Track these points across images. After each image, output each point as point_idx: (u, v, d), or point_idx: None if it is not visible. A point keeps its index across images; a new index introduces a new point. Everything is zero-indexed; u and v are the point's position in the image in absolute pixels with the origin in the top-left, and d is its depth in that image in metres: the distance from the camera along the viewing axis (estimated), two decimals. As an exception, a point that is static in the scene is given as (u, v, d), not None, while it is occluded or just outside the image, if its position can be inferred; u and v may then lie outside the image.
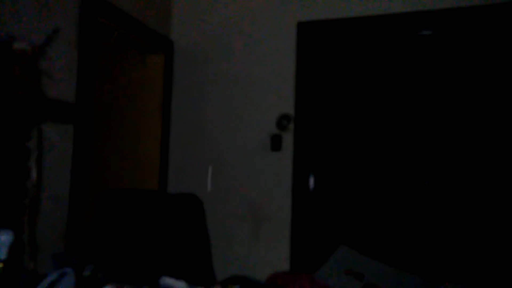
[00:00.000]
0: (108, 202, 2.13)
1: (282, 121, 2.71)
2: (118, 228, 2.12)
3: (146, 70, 2.95)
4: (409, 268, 2.37)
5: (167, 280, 1.68)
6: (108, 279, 1.54)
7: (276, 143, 2.71)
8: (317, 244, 2.66)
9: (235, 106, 2.84)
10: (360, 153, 2.66)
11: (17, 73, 1.81)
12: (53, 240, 2.10)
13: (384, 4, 2.60)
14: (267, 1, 2.83)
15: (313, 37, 2.73)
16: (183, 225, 2.43)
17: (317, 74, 2.73)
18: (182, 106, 2.96)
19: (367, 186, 2.64)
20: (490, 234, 2.40)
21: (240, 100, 2.83)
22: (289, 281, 2.22)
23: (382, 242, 2.57)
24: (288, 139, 2.71)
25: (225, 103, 2.86)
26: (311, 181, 2.69)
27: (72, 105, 2.20)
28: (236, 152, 2.81)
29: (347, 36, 2.74)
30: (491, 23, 2.48)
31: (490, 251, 2.39)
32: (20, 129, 1.87)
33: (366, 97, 2.67)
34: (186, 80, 2.97)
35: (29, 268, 1.84)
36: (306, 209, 2.67)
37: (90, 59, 2.32)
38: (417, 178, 2.55)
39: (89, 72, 2.31)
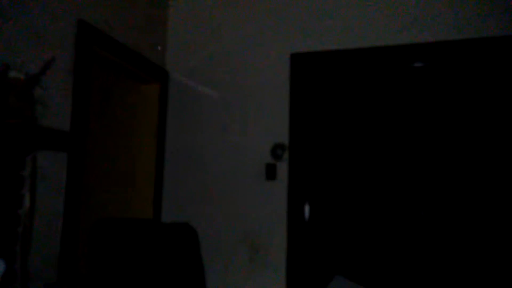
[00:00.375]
0: (101, 231, 2.11)
1: (276, 150, 2.72)
2: (111, 257, 2.09)
3: (141, 100, 2.97)
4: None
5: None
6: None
7: (270, 172, 2.72)
8: (313, 273, 2.63)
9: (230, 135, 2.86)
10: (355, 183, 2.67)
11: (12, 102, 1.82)
12: (45, 269, 2.06)
13: (376, 36, 2.66)
14: (260, 32, 2.88)
15: (306, 68, 2.78)
16: (177, 255, 2.40)
17: (311, 104, 2.76)
18: (177, 135, 2.97)
19: (363, 216, 2.63)
20: (486, 262, 2.39)
21: (235, 130, 2.85)
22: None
23: (378, 272, 2.55)
24: (282, 168, 2.72)
25: (220, 132, 2.88)
26: (307, 210, 2.69)
27: (67, 133, 2.20)
28: (231, 180, 2.81)
29: (340, 67, 2.79)
30: (481, 55, 2.54)
31: (486, 279, 2.37)
32: (14, 157, 1.86)
33: (360, 127, 2.70)
34: (181, 110, 2.99)
35: (20, 298, 1.80)
36: (301, 238, 2.66)
37: (85, 87, 2.34)
38: (412, 208, 2.55)
39: (84, 101, 2.32)
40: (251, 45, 2.89)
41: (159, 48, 2.93)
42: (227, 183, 2.81)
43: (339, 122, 2.74)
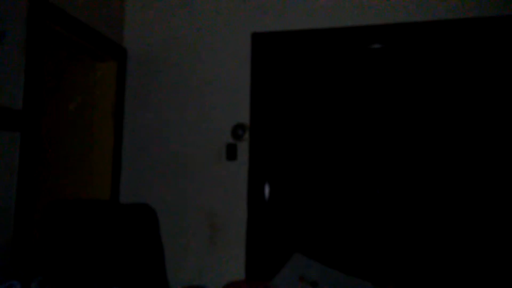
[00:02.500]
0: (53, 213, 2.06)
1: (237, 131, 2.72)
2: (65, 239, 2.05)
3: (98, 78, 2.88)
4: (361, 274, 2.43)
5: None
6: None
7: (231, 153, 2.72)
8: (273, 252, 2.68)
9: (190, 115, 2.83)
10: (314, 162, 2.71)
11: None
12: (-3, 254, 2.00)
13: (337, 17, 2.68)
14: (221, 11, 2.84)
15: (267, 48, 2.77)
16: (135, 236, 2.38)
17: (272, 84, 2.77)
18: (135, 114, 2.91)
19: (322, 194, 2.68)
20: (436, 239, 2.50)
21: (195, 109, 2.82)
22: (244, 289, 2.22)
23: (336, 249, 2.62)
24: (243, 148, 2.72)
25: (179, 111, 2.85)
26: (267, 190, 2.71)
27: (19, 112, 2.12)
28: (192, 160, 2.79)
29: (301, 47, 2.80)
30: (437, 38, 2.60)
31: (436, 255, 2.48)
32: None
33: (320, 107, 2.73)
34: (139, 88, 2.93)
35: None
36: (261, 217, 2.69)
37: (39, 64, 2.24)
38: (369, 186, 2.62)
39: (37, 78, 2.23)
40: (212, 23, 2.85)
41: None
42: (187, 163, 2.80)
43: (300, 102, 2.76)
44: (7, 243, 2.07)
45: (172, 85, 2.88)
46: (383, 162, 2.62)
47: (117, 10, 2.94)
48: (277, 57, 2.79)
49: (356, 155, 2.66)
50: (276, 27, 2.77)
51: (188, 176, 2.79)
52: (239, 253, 2.67)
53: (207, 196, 2.75)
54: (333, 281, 2.40)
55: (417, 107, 2.60)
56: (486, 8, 2.47)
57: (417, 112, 2.59)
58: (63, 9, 2.40)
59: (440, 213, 2.51)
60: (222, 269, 2.68)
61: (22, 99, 2.14)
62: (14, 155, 2.11)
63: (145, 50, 2.94)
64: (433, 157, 2.55)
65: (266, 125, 2.74)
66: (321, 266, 2.48)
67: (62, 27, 2.42)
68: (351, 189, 2.65)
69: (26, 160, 2.16)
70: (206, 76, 2.83)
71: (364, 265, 2.55)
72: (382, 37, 2.68)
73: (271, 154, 2.74)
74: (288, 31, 2.75)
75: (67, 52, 2.78)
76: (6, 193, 2.08)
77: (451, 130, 2.54)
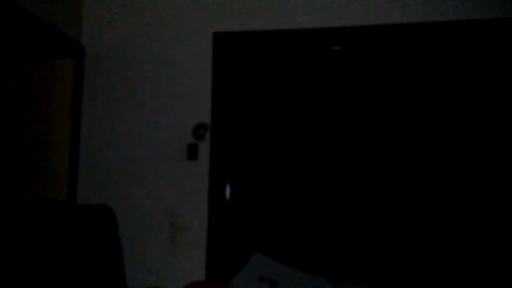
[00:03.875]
0: (4, 215, 1.98)
1: (198, 130, 2.70)
2: (15, 241, 1.97)
3: (55, 75, 2.79)
4: (319, 272, 2.47)
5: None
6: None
7: (192, 152, 2.70)
8: (234, 253, 2.67)
9: (150, 115, 2.78)
10: (275, 162, 2.72)
11: None
12: None
13: (299, 19, 2.70)
14: (182, 10, 2.81)
15: (228, 48, 2.77)
16: (92, 238, 2.33)
17: (233, 84, 2.77)
18: (93, 113, 2.84)
19: (282, 194, 2.70)
20: (393, 236, 2.57)
21: (155, 109, 2.78)
22: (204, 290, 2.21)
23: (296, 248, 2.65)
24: (205, 148, 2.71)
25: (139, 111, 2.79)
26: (228, 190, 2.71)
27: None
28: (152, 160, 2.75)
29: (262, 48, 2.80)
30: (397, 41, 2.67)
31: (393, 252, 2.55)
32: None
33: (280, 106, 2.75)
34: (98, 87, 2.85)
35: None
36: (222, 218, 2.68)
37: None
38: (328, 185, 2.66)
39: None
40: (174, 21, 2.81)
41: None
42: (147, 163, 2.75)
43: (261, 102, 2.77)
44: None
45: (132, 84, 2.82)
46: (342, 161, 2.67)
47: (75, 6, 2.85)
48: (239, 57, 2.79)
49: (317, 154, 2.69)
50: (238, 27, 2.76)
51: (148, 176, 2.74)
52: (199, 253, 2.65)
53: (168, 197, 2.71)
54: (292, 280, 2.42)
55: (374, 108, 2.65)
56: (443, 13, 2.55)
57: (372, 112, 2.65)
58: (16, 2, 2.31)
59: (394, 208, 2.58)
60: (182, 270, 2.65)
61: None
62: (-37, 154, 2.02)
63: (104, 48, 2.87)
64: (389, 154, 2.62)
65: (227, 124, 2.73)
66: (281, 266, 2.50)
67: (15, 22, 2.33)
68: (311, 188, 2.68)
69: (-24, 160, 2.07)
70: (166, 75, 2.79)
71: (322, 264, 2.59)
72: (342, 39, 2.73)
73: (232, 154, 2.74)
74: (249, 31, 2.76)
75: (21, 48, 2.68)
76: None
77: (409, 130, 2.61)
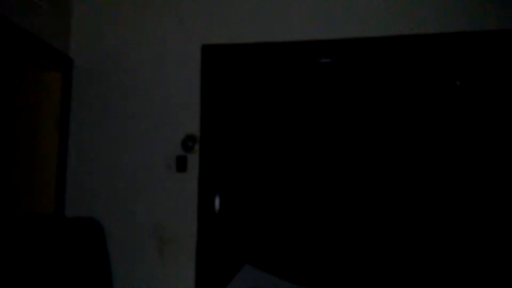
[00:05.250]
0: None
1: (187, 142, 2.70)
2: (1, 256, 1.95)
3: (42, 88, 2.77)
4: (309, 283, 2.46)
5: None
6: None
7: (181, 164, 2.69)
8: (224, 265, 2.66)
9: (138, 127, 2.78)
10: (265, 174, 2.72)
11: None
12: None
13: (287, 31, 2.72)
14: (171, 22, 2.82)
15: (217, 60, 2.78)
16: (79, 251, 2.31)
17: (222, 96, 2.77)
18: (81, 126, 2.83)
19: (273, 206, 2.70)
20: (380, 248, 2.57)
21: (144, 121, 2.78)
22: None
23: (287, 260, 2.64)
24: (193, 160, 2.70)
25: (128, 123, 2.79)
26: (217, 201, 2.70)
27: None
28: (141, 173, 2.74)
29: (251, 60, 2.82)
30: (385, 54, 2.70)
31: (382, 264, 2.56)
32: None
33: (269, 118, 2.76)
34: (86, 99, 2.85)
35: None
36: (212, 229, 2.67)
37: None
38: (319, 197, 2.67)
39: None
40: (163, 34, 2.83)
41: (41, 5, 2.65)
42: (136, 175, 2.74)
43: (250, 114, 2.78)
44: None
45: (121, 96, 2.82)
46: (332, 174, 2.67)
47: (64, 19, 2.86)
48: (227, 69, 2.80)
49: (305, 167, 2.70)
50: (227, 40, 2.78)
51: (137, 189, 2.73)
52: (189, 266, 2.63)
53: (157, 209, 2.70)
54: (282, 292, 2.41)
55: (362, 119, 2.67)
56: (429, 26, 2.60)
57: (362, 124, 2.67)
58: (2, 14, 2.30)
59: (382, 221, 2.59)
60: (171, 282, 2.63)
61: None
62: None
63: (93, 60, 2.87)
64: (378, 167, 2.63)
65: (216, 136, 2.73)
66: (271, 278, 2.49)
67: (3, 36, 2.32)
68: (300, 198, 2.68)
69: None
70: (155, 87, 2.80)
71: (312, 275, 2.58)
72: (331, 51, 2.75)
73: (222, 166, 2.73)
74: (238, 44, 2.77)
75: (7, 61, 2.67)
76: None
77: (395, 139, 2.63)
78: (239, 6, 2.79)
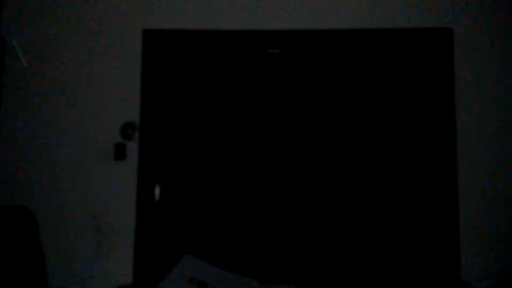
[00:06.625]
0: None
1: (126, 130, 2.63)
2: None
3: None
4: (249, 273, 2.45)
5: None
6: None
7: (119, 152, 2.62)
8: (164, 255, 2.61)
9: (74, 114, 2.67)
10: (206, 162, 2.69)
11: None
12: None
13: (235, 19, 2.70)
14: (111, 5, 2.74)
15: (159, 46, 2.72)
16: (8, 240, 2.21)
17: (164, 83, 2.72)
18: (13, 112, 2.69)
19: (213, 195, 2.68)
20: (319, 235, 2.60)
21: (80, 108, 2.68)
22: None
23: (226, 249, 2.63)
24: (133, 148, 2.64)
25: (63, 110, 2.68)
26: (157, 191, 2.65)
27: None
28: (76, 161, 2.64)
29: (196, 47, 2.77)
30: (333, 46, 2.72)
31: (319, 250, 2.59)
32: None
33: (213, 107, 2.73)
34: (19, 84, 2.71)
35: None
36: (151, 219, 2.62)
37: None
38: (259, 186, 2.66)
39: None
40: (101, 16, 2.73)
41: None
42: (72, 163, 2.64)
43: (193, 102, 2.74)
44: None
45: (56, 82, 2.70)
46: (274, 163, 2.68)
47: (-4, -1, 2.72)
48: (170, 55, 2.75)
49: (247, 155, 2.69)
50: (171, 25, 2.72)
51: (72, 177, 2.63)
52: (127, 257, 2.57)
53: (93, 198, 2.62)
54: (221, 281, 2.40)
55: (311, 112, 2.69)
56: (378, 21, 2.66)
57: (311, 116, 2.68)
58: None
59: (320, 206, 2.62)
60: (109, 274, 2.56)
61: None
62: None
63: (27, 42, 2.74)
64: (319, 158, 2.65)
65: (157, 124, 2.68)
66: (210, 267, 2.47)
67: None
68: (240, 188, 2.67)
69: None
70: (93, 72, 2.70)
71: (251, 264, 2.59)
72: (279, 42, 2.74)
73: (162, 154, 2.68)
74: (182, 30, 2.72)
75: None
76: None
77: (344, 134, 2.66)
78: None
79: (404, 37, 2.67)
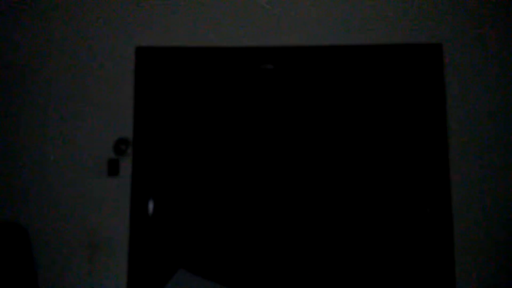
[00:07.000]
0: None
1: (119, 146, 2.63)
2: None
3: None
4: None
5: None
6: None
7: (113, 168, 2.62)
8: (157, 270, 2.60)
9: (68, 129, 2.68)
10: (200, 177, 2.69)
11: None
12: None
13: (228, 36, 2.74)
14: (106, 22, 2.76)
15: (152, 63, 2.74)
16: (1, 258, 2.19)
17: (157, 99, 2.73)
18: (5, 127, 2.69)
19: (207, 210, 2.67)
20: (315, 252, 2.60)
21: (74, 123, 2.69)
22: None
23: (221, 264, 2.61)
24: (126, 163, 2.64)
25: (57, 125, 2.69)
26: (151, 206, 2.64)
27: None
28: (70, 176, 2.64)
29: (189, 64, 2.79)
30: (326, 62, 2.76)
31: (316, 267, 2.58)
32: None
33: (207, 122, 2.74)
34: (9, 98, 2.71)
35: None
36: (145, 234, 2.61)
37: None
38: (253, 205, 2.66)
39: None
40: (96, 32, 2.75)
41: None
42: (65, 179, 2.64)
43: (186, 118, 2.75)
44: None
45: (49, 96, 2.71)
46: (266, 180, 2.68)
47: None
48: (163, 72, 2.76)
49: (241, 171, 2.69)
50: (164, 42, 2.74)
51: (66, 193, 2.63)
52: (120, 272, 2.56)
53: (87, 213, 2.61)
54: (215, 296, 2.38)
55: (305, 127, 2.71)
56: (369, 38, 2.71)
57: (305, 131, 2.71)
58: None
59: (314, 226, 2.62)
60: (102, 289, 2.54)
61: None
62: None
63: (17, 54, 2.74)
64: (314, 173, 2.67)
65: (150, 139, 2.68)
66: (205, 282, 2.45)
67: None
68: (234, 203, 2.67)
69: None
70: (87, 88, 2.72)
71: (246, 279, 2.57)
72: (272, 58, 2.77)
73: (156, 169, 2.68)
74: (175, 47, 2.75)
75: None
76: None
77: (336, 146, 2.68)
78: (178, 9, 2.76)
79: (395, 53, 2.71)
